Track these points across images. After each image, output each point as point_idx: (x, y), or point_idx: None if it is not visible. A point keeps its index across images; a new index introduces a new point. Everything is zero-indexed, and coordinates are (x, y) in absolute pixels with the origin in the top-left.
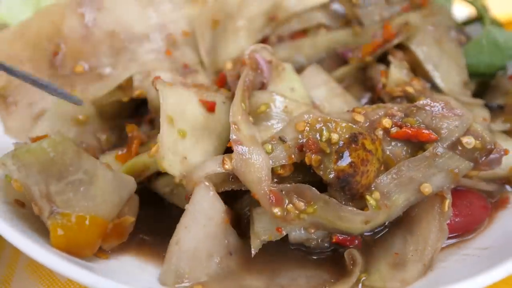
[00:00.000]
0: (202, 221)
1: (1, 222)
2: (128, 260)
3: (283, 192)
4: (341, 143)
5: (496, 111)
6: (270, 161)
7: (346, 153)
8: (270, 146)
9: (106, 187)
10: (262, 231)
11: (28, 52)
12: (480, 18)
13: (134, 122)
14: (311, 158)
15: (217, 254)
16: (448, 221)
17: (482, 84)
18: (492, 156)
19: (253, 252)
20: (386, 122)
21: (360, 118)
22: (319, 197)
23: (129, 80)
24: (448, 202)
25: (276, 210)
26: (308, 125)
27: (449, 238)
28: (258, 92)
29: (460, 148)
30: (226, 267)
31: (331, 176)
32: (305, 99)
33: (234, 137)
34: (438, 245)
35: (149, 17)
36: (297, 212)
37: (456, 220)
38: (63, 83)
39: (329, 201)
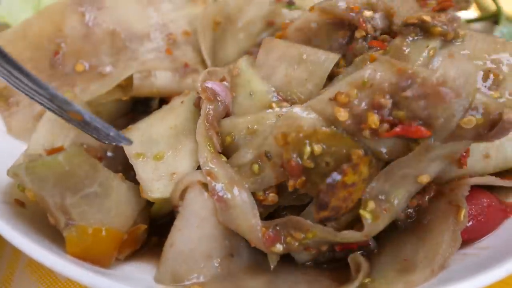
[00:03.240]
0: (194, 223)
1: (1, 222)
2: (128, 260)
3: (278, 228)
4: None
5: None
6: (258, 185)
7: (326, 198)
8: (257, 166)
9: (121, 199)
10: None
11: (29, 52)
12: (494, 15)
13: (129, 119)
14: (294, 184)
15: (217, 255)
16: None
17: None
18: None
19: (272, 266)
20: (373, 121)
21: (343, 116)
22: (314, 226)
23: (129, 79)
24: (464, 211)
25: (275, 248)
26: (285, 141)
27: (464, 243)
28: (221, 122)
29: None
30: (226, 269)
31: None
32: (266, 97)
33: (211, 186)
34: (450, 252)
35: (149, 16)
36: (297, 243)
37: (470, 224)
38: (64, 82)
39: (325, 229)
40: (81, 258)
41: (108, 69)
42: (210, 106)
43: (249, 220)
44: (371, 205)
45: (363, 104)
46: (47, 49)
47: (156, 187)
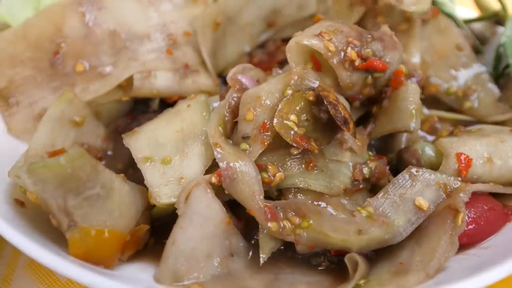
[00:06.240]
0: (198, 221)
1: (1, 222)
2: (127, 260)
3: (278, 208)
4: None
5: None
6: (255, 156)
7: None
8: (245, 145)
9: (123, 200)
10: (270, 238)
11: (30, 52)
12: (495, 14)
13: (130, 119)
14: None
15: (217, 255)
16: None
17: None
18: None
19: (261, 260)
20: (353, 54)
21: (332, 47)
22: (312, 208)
23: (130, 79)
24: (462, 215)
25: (272, 225)
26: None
27: (463, 246)
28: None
29: None
30: (226, 268)
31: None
32: None
33: (218, 156)
34: (446, 257)
35: (150, 17)
36: (292, 226)
37: (470, 228)
38: (64, 82)
39: (322, 211)
40: (84, 259)
41: (108, 69)
42: (235, 95)
43: (252, 186)
44: (369, 209)
45: (341, 41)
46: (47, 49)
47: (164, 192)
